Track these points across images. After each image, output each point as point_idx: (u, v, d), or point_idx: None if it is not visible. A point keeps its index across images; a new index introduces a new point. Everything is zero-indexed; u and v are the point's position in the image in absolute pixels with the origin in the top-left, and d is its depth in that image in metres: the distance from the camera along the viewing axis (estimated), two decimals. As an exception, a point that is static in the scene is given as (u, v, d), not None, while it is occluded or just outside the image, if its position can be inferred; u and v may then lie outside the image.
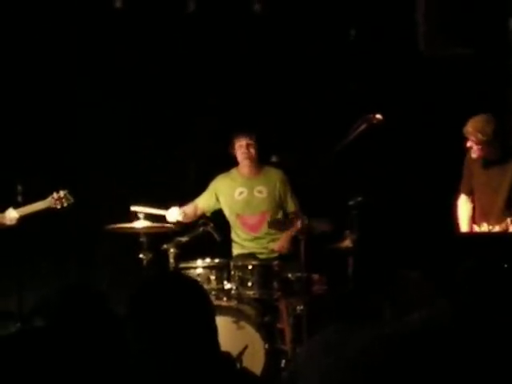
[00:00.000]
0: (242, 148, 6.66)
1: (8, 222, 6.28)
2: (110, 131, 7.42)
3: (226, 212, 6.81)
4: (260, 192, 6.75)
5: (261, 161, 6.75)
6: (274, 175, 6.75)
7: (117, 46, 7.39)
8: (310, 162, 6.47)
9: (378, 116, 5.78)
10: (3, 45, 7.11)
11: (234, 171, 6.84)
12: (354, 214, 5.88)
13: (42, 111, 7.28)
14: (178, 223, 6.60)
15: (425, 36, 6.07)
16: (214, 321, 2.28)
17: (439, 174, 6.86)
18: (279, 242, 6.62)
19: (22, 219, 6.30)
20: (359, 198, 5.89)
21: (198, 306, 2.25)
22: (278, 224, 6.63)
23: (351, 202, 5.90)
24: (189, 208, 6.78)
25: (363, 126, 5.75)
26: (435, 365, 2.88)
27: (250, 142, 6.63)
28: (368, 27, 7.40)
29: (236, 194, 6.77)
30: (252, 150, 6.65)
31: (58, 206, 6.35)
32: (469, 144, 5.90)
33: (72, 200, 6.39)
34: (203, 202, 6.82)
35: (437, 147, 7.02)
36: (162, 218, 6.55)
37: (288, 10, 7.41)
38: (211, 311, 2.30)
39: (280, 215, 6.71)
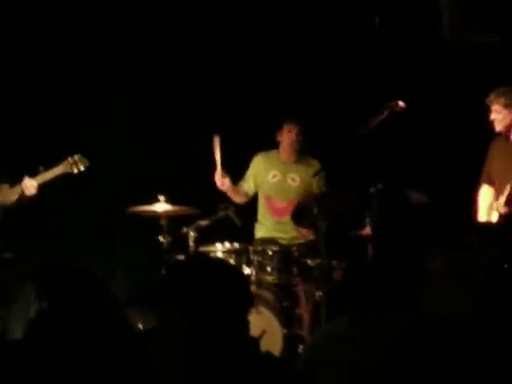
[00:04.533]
0: (290, 133, 6.69)
1: (27, 192, 6.17)
2: (128, 117, 7.45)
3: (259, 191, 6.84)
4: (293, 180, 6.75)
5: (302, 149, 6.77)
6: (311, 166, 6.71)
7: (129, 38, 7.40)
8: (332, 150, 6.46)
9: (401, 103, 5.76)
10: (17, 38, 7.15)
11: (273, 153, 6.86)
12: (375, 201, 5.88)
13: (61, 97, 7.31)
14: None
15: (450, 24, 6.04)
16: (247, 305, 2.29)
17: (462, 162, 6.83)
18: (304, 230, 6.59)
19: (41, 188, 6.22)
20: (380, 186, 5.89)
21: (235, 290, 2.27)
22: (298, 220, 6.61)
23: (372, 189, 5.89)
24: (240, 189, 6.83)
25: (386, 114, 5.73)
26: (454, 359, 2.88)
27: (299, 128, 6.67)
28: (393, 15, 7.36)
29: (270, 176, 6.78)
30: (300, 137, 6.68)
31: (75, 170, 6.29)
32: (492, 116, 5.88)
33: (87, 163, 6.33)
34: (248, 185, 6.86)
35: (460, 135, 6.99)
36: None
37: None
38: (248, 297, 2.31)
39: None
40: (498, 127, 5.91)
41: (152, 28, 7.42)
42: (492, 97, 5.88)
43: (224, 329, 2.23)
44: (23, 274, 6.49)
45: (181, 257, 6.18)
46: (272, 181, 6.79)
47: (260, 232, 6.82)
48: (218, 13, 7.49)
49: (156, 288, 2.29)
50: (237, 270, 2.49)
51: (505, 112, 5.87)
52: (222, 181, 6.63)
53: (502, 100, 5.84)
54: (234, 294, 2.26)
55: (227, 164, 6.87)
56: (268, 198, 6.78)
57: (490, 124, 5.95)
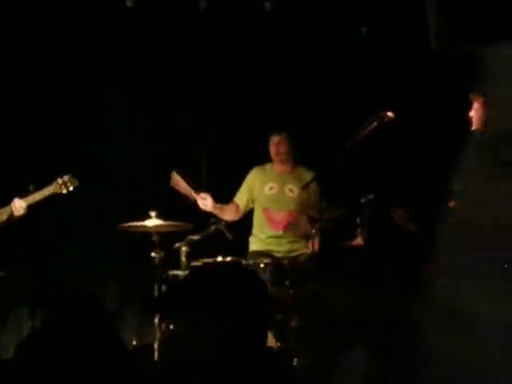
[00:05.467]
0: (273, 145, 6.73)
1: (16, 213, 6.26)
2: (121, 128, 7.44)
3: (255, 205, 6.84)
4: (291, 191, 6.76)
5: (296, 160, 6.78)
6: (307, 176, 6.69)
7: (129, 43, 7.41)
8: (322, 160, 6.46)
9: (390, 114, 5.77)
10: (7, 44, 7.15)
11: (268, 166, 6.88)
12: (365, 211, 5.88)
13: (56, 110, 7.30)
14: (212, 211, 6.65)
15: (436, 33, 6.04)
16: (267, 313, 2.27)
17: (452, 171, 6.83)
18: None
19: (30, 208, 6.29)
20: (370, 196, 5.89)
21: (256, 296, 2.25)
22: (292, 229, 6.63)
23: (363, 200, 5.90)
24: (229, 207, 6.82)
25: (374, 124, 5.74)
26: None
27: (280, 139, 6.69)
28: (379, 24, 7.39)
29: (266, 189, 6.79)
30: (282, 148, 6.70)
31: (64, 191, 6.37)
32: (471, 113, 5.80)
33: (77, 183, 6.41)
34: (242, 200, 6.86)
35: (449, 144, 6.99)
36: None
37: (298, 8, 7.41)
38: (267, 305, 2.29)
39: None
40: (475, 125, 5.83)
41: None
42: (475, 93, 5.78)
43: (243, 338, 2.21)
44: (15, 293, 6.47)
45: (173, 272, 6.18)
46: (269, 193, 6.79)
47: (254, 245, 6.81)
48: (209, 24, 7.52)
49: (166, 299, 2.28)
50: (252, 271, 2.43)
51: (482, 111, 5.79)
52: (203, 202, 6.64)
53: (484, 97, 5.75)
54: (255, 303, 2.25)
55: (218, 181, 6.90)
56: (266, 210, 6.78)
57: (469, 121, 5.88)
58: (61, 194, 6.38)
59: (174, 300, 2.26)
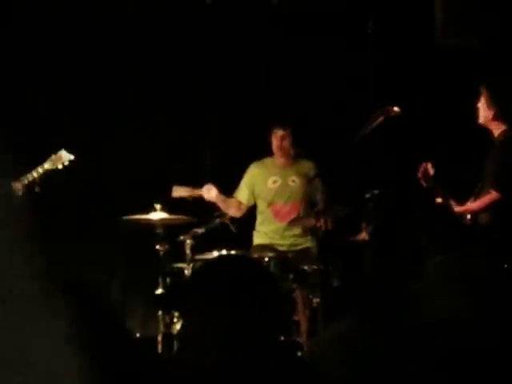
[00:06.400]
0: (277, 139, 6.73)
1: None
2: (124, 122, 7.44)
3: (258, 200, 6.85)
4: (293, 181, 6.80)
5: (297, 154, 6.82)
6: (306, 166, 6.78)
7: (135, 35, 7.41)
8: (327, 155, 6.46)
9: (396, 108, 5.76)
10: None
11: (268, 160, 6.90)
12: (370, 206, 5.88)
13: (64, 102, 7.30)
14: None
15: (442, 26, 6.05)
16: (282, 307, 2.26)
17: (457, 166, 6.83)
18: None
19: (27, 189, 6.27)
20: (376, 191, 5.89)
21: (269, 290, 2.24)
22: (298, 222, 6.66)
23: (368, 195, 5.89)
24: (232, 201, 6.84)
25: (380, 119, 5.73)
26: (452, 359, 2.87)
27: (284, 134, 6.70)
28: (386, 19, 7.37)
29: (269, 183, 6.81)
30: (285, 142, 6.71)
31: (60, 166, 6.36)
32: (479, 104, 5.76)
33: (72, 157, 6.40)
34: (243, 197, 6.87)
35: (454, 139, 6.99)
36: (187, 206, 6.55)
37: (305, 2, 7.40)
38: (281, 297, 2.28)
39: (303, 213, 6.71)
40: (480, 119, 5.80)
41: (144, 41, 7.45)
42: (483, 86, 5.74)
43: (256, 331, 2.20)
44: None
45: (178, 265, 6.19)
46: (273, 186, 6.82)
47: (258, 239, 6.83)
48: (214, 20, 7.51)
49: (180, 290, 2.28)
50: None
51: (485, 107, 5.75)
52: (207, 191, 6.64)
53: (488, 93, 5.71)
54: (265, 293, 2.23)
55: (221, 174, 6.91)
56: (271, 204, 6.80)
57: (476, 111, 5.84)
58: (56, 168, 6.37)
59: (185, 295, 2.24)
